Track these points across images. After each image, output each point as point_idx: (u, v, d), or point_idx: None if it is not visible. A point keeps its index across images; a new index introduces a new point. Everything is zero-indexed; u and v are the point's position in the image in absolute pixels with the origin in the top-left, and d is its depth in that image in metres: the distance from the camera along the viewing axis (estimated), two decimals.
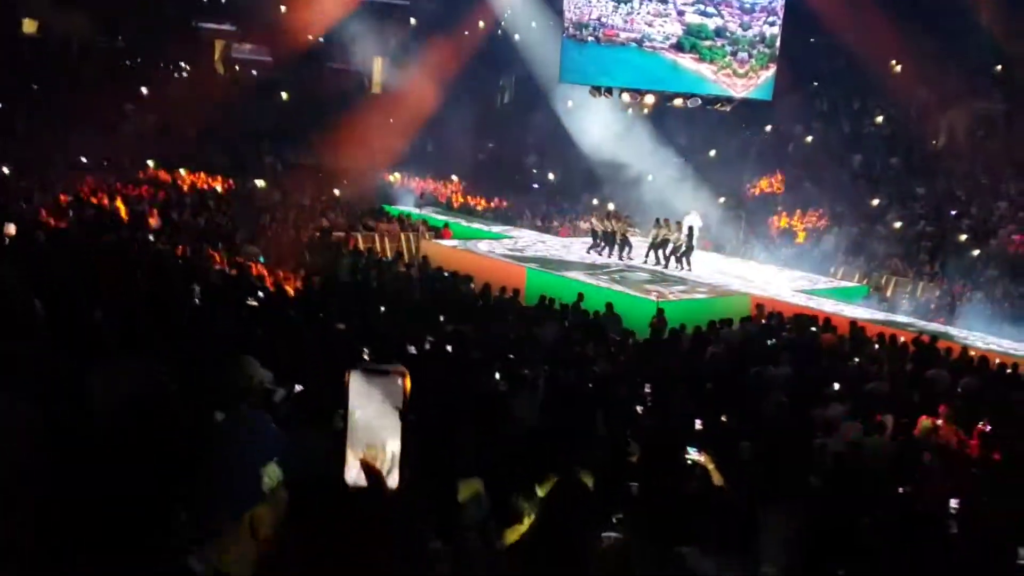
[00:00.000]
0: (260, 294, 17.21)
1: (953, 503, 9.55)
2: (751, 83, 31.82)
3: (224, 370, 5.48)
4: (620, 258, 29.54)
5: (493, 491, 5.89)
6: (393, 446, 2.12)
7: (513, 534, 5.14)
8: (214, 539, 2.32)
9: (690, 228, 29.10)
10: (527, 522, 5.19)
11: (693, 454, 8.94)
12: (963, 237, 32.77)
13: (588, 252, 30.24)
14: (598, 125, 37.28)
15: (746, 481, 7.12)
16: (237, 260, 22.96)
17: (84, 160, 35.44)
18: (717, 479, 6.32)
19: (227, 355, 5.66)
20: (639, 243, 30.55)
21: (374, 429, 2.13)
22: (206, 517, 2.29)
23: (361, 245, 28.80)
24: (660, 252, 29.25)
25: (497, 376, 12.91)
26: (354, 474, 2.11)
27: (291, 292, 19.01)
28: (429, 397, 9.60)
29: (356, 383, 2.14)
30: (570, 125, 40.70)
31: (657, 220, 29.85)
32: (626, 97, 32.20)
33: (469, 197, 41.97)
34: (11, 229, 17.26)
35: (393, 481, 2.10)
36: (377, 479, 2.09)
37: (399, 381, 2.13)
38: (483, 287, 22.54)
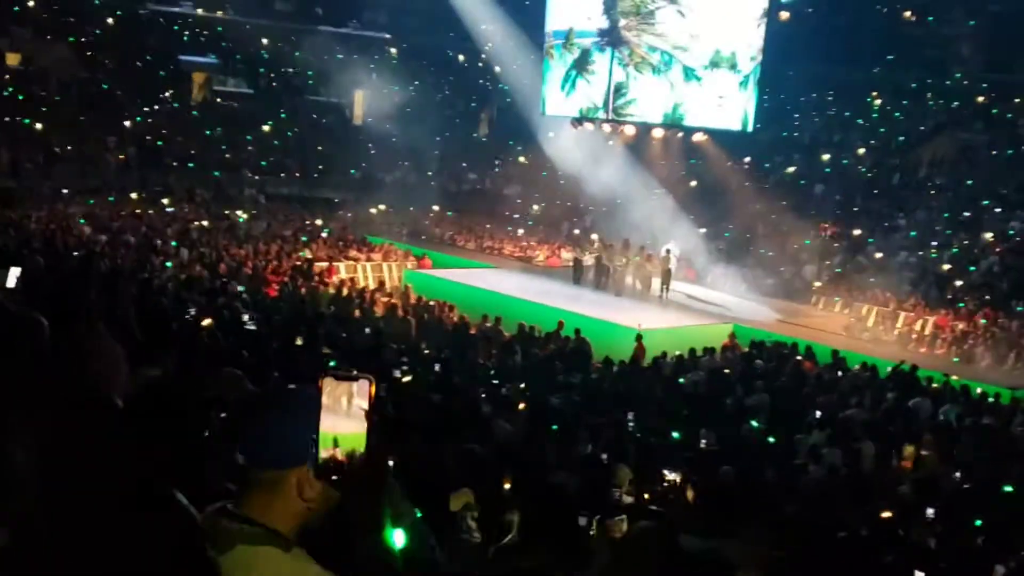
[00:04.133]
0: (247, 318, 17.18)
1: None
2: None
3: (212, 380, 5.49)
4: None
5: (482, 504, 6.11)
6: (359, 442, 2.39)
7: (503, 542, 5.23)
8: (264, 490, 2.52)
9: (667, 251, 29.25)
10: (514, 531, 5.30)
11: (669, 475, 8.94)
12: (946, 268, 32.78)
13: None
14: (579, 156, 37.30)
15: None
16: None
17: (66, 191, 35.31)
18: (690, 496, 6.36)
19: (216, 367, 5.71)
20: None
21: (344, 427, 2.40)
22: (256, 463, 2.54)
23: (344, 275, 28.76)
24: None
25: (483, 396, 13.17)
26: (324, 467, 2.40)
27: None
28: (418, 418, 9.77)
29: (328, 387, 2.41)
30: (551, 156, 40.73)
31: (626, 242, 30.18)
32: (606, 128, 32.30)
33: (451, 229, 41.86)
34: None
35: (359, 437, 2.38)
36: (342, 472, 2.37)
37: (366, 385, 2.41)
38: (460, 317, 22.73)
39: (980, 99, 40.89)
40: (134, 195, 36.77)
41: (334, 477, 2.41)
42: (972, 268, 32.48)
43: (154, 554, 1.99)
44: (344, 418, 2.40)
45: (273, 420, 2.56)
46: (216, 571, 2.33)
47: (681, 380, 18.84)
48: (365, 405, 2.41)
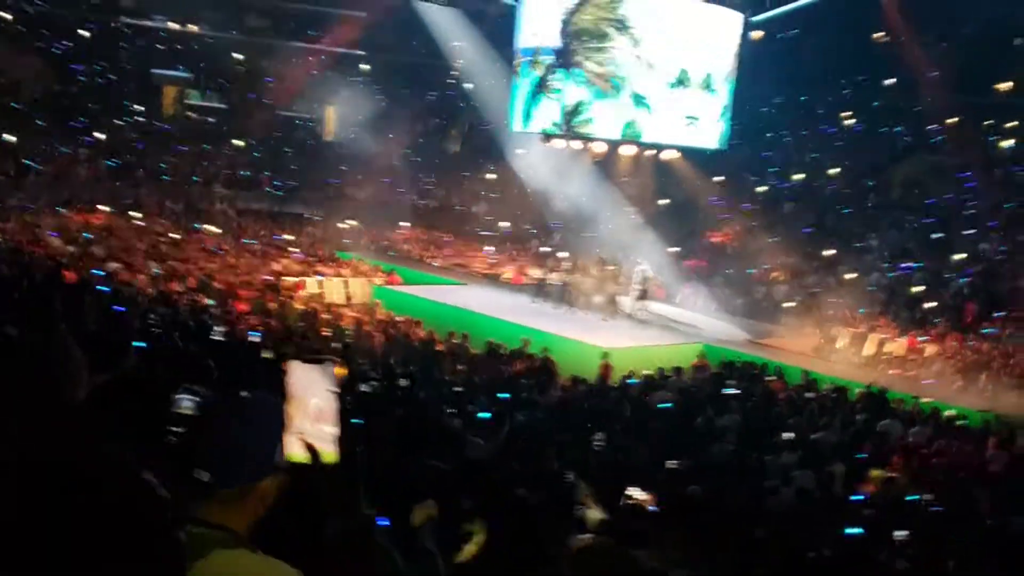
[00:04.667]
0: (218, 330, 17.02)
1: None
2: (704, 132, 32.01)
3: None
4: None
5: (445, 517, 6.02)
6: (330, 425, 2.37)
7: (463, 555, 5.13)
8: (227, 500, 2.44)
9: (643, 273, 29.14)
10: (476, 542, 5.20)
11: (636, 493, 8.82)
12: (916, 289, 32.81)
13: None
14: (548, 173, 37.31)
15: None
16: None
17: (36, 204, 35.04)
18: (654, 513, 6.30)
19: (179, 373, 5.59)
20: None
21: (313, 410, 2.38)
22: (223, 482, 2.43)
23: (313, 290, 28.62)
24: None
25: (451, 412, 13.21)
26: (296, 451, 2.36)
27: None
28: (385, 433, 9.68)
29: (295, 371, 2.39)
30: (520, 173, 40.69)
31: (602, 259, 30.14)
32: (576, 144, 32.28)
33: (420, 247, 41.79)
34: None
35: (331, 456, 2.35)
36: (316, 455, 2.34)
37: (332, 369, 2.41)
38: (427, 333, 22.69)
39: (951, 121, 40.99)
40: (104, 208, 36.54)
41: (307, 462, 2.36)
42: (943, 289, 32.54)
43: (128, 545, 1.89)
44: (314, 400, 2.38)
45: (235, 435, 2.43)
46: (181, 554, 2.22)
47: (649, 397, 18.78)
48: (334, 388, 2.37)
